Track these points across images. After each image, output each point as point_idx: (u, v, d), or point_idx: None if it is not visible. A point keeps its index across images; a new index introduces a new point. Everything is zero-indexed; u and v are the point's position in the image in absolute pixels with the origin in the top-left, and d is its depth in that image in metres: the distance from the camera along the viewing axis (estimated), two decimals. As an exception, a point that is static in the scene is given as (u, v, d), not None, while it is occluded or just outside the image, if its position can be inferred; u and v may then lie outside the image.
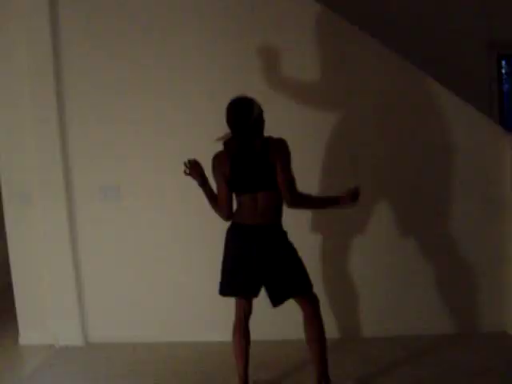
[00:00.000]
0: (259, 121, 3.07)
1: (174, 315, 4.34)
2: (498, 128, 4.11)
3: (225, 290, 3.25)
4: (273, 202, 3.10)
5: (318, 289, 3.35)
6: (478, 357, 3.77)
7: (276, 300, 3.15)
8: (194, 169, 3.20)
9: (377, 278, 4.19)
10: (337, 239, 4.19)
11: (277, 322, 4.07)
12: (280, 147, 3.07)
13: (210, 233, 4.13)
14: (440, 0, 5.06)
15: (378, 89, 4.05)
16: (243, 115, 3.01)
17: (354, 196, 3.17)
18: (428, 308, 4.19)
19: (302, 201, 3.14)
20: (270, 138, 3.10)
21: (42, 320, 4.40)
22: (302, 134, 3.98)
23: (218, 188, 3.18)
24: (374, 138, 4.09)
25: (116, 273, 4.36)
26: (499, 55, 5.28)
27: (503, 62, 5.45)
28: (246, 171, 3.07)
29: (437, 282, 4.15)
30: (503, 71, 5.49)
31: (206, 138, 4.02)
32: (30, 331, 4.44)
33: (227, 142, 3.11)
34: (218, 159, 3.14)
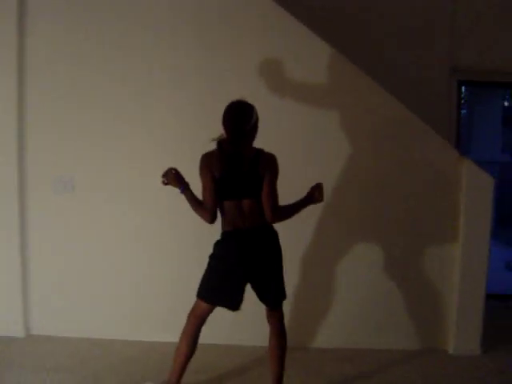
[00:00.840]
0: (255, 128, 3.07)
1: (120, 312, 4.29)
2: (455, 152, 4.21)
3: (207, 297, 3.14)
4: (257, 209, 3.09)
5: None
6: (421, 373, 3.86)
7: (272, 302, 3.21)
8: (172, 177, 3.13)
9: (330, 291, 4.24)
10: (305, 248, 4.22)
11: (219, 326, 4.08)
12: (272, 162, 3.10)
13: (163, 230, 4.16)
14: (402, 26, 5.17)
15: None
16: (243, 119, 3.00)
17: (321, 192, 3.22)
18: (376, 323, 4.25)
19: (281, 216, 3.15)
20: (262, 150, 3.11)
21: (-16, 308, 4.30)
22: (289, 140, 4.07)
23: (205, 187, 3.08)
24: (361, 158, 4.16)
25: (64, 265, 4.28)
26: (459, 81, 5.40)
27: (463, 88, 5.59)
28: (237, 175, 3.04)
29: (387, 298, 4.22)
30: (462, 97, 5.63)
31: (169, 130, 4.11)
32: (-31, 319, 4.33)
33: (221, 143, 3.06)
34: (209, 158, 3.08)
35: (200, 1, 4.11)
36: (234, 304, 3.14)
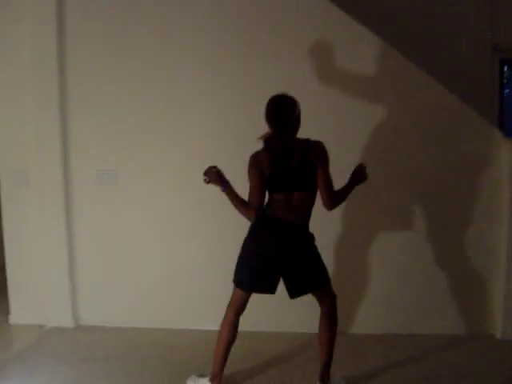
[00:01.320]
0: (298, 121, 3.06)
1: (168, 302, 4.37)
2: (499, 134, 4.13)
3: (245, 284, 3.17)
4: (306, 203, 3.11)
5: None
6: (467, 359, 3.81)
7: (294, 293, 3.19)
8: (212, 175, 3.14)
9: (372, 275, 4.24)
10: (344, 235, 4.21)
11: (264, 314, 4.12)
12: (321, 150, 3.09)
13: (206, 220, 4.20)
14: (443, 4, 5.07)
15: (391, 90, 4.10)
16: (286, 112, 2.99)
17: (364, 171, 3.23)
18: (419, 308, 4.22)
19: (338, 200, 3.16)
20: (309, 140, 3.09)
21: (34, 300, 4.41)
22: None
23: (254, 187, 3.10)
24: (389, 140, 4.13)
25: (110, 257, 4.37)
26: (501, 60, 5.28)
27: (505, 67, 5.47)
28: (287, 170, 3.04)
29: (430, 283, 4.19)
30: (505, 76, 5.50)
31: (207, 134, 4.11)
32: (21, 311, 4.45)
33: (267, 141, 3.05)
34: (257, 158, 3.09)
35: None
36: (270, 288, 3.16)
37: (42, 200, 4.26)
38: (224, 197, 3.15)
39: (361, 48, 4.05)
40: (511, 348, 3.97)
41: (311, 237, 3.20)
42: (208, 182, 3.15)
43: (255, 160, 3.10)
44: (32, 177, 4.29)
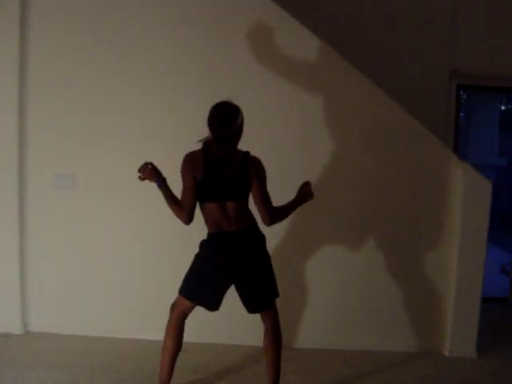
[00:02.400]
0: (240, 130, 3.03)
1: (118, 310, 4.31)
2: (453, 155, 4.24)
3: (192, 296, 3.15)
4: (241, 211, 3.10)
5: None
6: (417, 375, 3.89)
7: (254, 308, 3.20)
8: (148, 171, 3.13)
9: (321, 289, 4.26)
10: (292, 246, 4.22)
11: (214, 326, 4.12)
12: (260, 165, 3.11)
13: (161, 227, 4.17)
14: (403, 29, 5.21)
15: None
16: (229, 120, 2.95)
17: (310, 191, 3.27)
18: (369, 324, 4.28)
19: (278, 217, 3.18)
20: (248, 153, 3.09)
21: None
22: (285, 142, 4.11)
23: (185, 189, 3.05)
24: (358, 160, 4.19)
25: (63, 262, 4.30)
26: (458, 85, 5.43)
27: (461, 92, 5.63)
28: (221, 177, 3.02)
29: (381, 299, 4.25)
30: (461, 101, 5.67)
31: (169, 135, 4.11)
32: (-33, 315, 4.34)
33: (206, 144, 3.02)
34: (191, 159, 3.04)
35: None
36: (213, 304, 3.16)
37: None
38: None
39: (316, 59, 4.08)
40: (458, 366, 4.04)
41: (261, 238, 3.19)
42: (143, 179, 3.14)
43: (189, 160, 3.05)
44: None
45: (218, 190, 3.03)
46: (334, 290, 4.26)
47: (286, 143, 4.13)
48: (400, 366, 4.03)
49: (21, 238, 4.22)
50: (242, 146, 3.11)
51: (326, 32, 4.22)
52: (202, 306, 3.18)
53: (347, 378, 3.80)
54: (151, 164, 3.15)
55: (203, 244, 3.18)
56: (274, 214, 3.14)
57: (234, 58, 4.10)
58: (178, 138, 4.04)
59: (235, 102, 3.04)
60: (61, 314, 4.33)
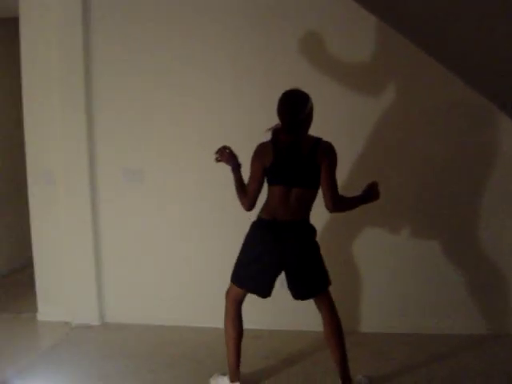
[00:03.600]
0: (310, 117, 3.04)
1: (194, 300, 4.41)
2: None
3: (243, 283, 3.21)
4: (305, 200, 3.10)
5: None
6: (491, 358, 3.81)
7: (299, 296, 3.20)
8: (225, 154, 3.21)
9: (388, 274, 4.25)
10: (356, 234, 4.23)
11: (284, 313, 4.15)
12: (330, 151, 3.06)
13: (228, 221, 4.23)
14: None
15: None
16: (298, 107, 2.96)
17: (377, 191, 3.22)
18: (438, 308, 4.23)
19: (341, 207, 3.16)
20: (320, 140, 3.08)
21: (61, 297, 4.49)
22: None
23: (251, 177, 3.13)
24: (412, 137, 4.12)
25: (137, 255, 4.44)
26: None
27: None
28: (290, 163, 3.03)
29: (450, 282, 4.19)
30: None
31: (231, 127, 4.15)
32: (48, 307, 4.54)
33: (276, 133, 3.05)
34: (262, 148, 3.11)
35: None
36: (264, 291, 3.18)
37: (69, 199, 4.35)
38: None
39: (375, 39, 4.02)
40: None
41: (312, 231, 3.18)
42: (219, 161, 3.23)
43: (260, 150, 3.12)
44: (59, 176, 4.37)
45: (286, 173, 3.05)
46: (403, 277, 4.23)
47: (352, 129, 4.09)
48: (471, 349, 3.97)
49: (95, 232, 4.39)
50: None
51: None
52: (253, 292, 3.21)
53: (418, 361, 3.78)
54: (229, 148, 3.23)
55: (254, 227, 3.19)
56: (339, 202, 3.10)
57: (295, 48, 4.09)
58: (243, 129, 4.10)
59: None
60: (137, 305, 4.48)
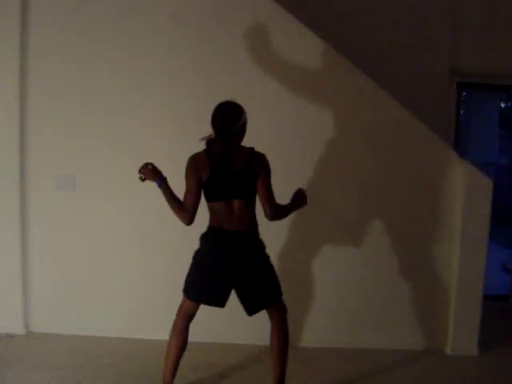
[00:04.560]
0: (244, 128, 3.08)
1: (118, 310, 4.32)
2: (453, 153, 4.24)
3: (193, 295, 3.17)
4: (247, 210, 3.11)
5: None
6: (419, 374, 3.90)
7: (251, 310, 3.19)
8: (148, 171, 3.13)
9: (324, 288, 4.27)
10: (296, 245, 4.22)
11: (217, 326, 4.13)
12: (265, 161, 3.13)
13: (163, 229, 4.17)
14: (403, 27, 5.21)
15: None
16: (232, 119, 3.00)
17: (305, 197, 3.30)
18: (372, 323, 4.29)
19: (280, 214, 3.21)
20: (253, 149, 3.12)
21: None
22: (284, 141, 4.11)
23: (189, 190, 3.07)
24: (358, 158, 4.18)
25: (65, 263, 4.31)
26: (458, 83, 5.44)
27: (462, 90, 5.63)
28: (228, 175, 3.04)
29: (383, 298, 4.26)
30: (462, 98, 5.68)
31: (170, 134, 4.12)
32: (-30, 316, 4.34)
33: (210, 144, 3.05)
34: (196, 160, 3.07)
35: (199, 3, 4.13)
36: (217, 303, 3.17)
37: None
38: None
39: (315, 57, 4.09)
40: (460, 364, 4.05)
41: (261, 244, 3.20)
42: (144, 179, 3.15)
43: (194, 162, 3.08)
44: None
45: (225, 188, 3.06)
46: (337, 290, 4.27)
47: (286, 143, 4.12)
48: (402, 364, 4.04)
49: (22, 239, 4.23)
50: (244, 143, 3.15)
51: (325, 31, 4.19)
52: (209, 305, 3.19)
53: (350, 376, 3.81)
54: (151, 164, 3.15)
55: (202, 238, 3.18)
56: (276, 210, 3.16)
57: (233, 58, 4.11)
58: (179, 137, 4.06)
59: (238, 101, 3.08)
60: (63, 315, 4.33)
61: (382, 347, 4.24)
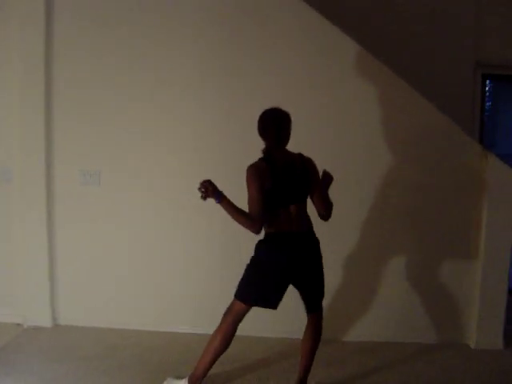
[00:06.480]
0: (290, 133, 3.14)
1: (145, 303, 4.36)
2: (479, 146, 4.20)
3: (250, 299, 3.12)
4: (304, 211, 3.15)
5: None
6: (443, 368, 3.86)
7: (316, 307, 3.26)
8: (209, 190, 3.01)
9: (349, 285, 4.26)
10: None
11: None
12: (314, 164, 3.18)
13: (189, 223, 4.21)
14: (428, 20, 5.16)
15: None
16: (286, 125, 3.07)
17: (330, 175, 3.24)
18: (396, 317, 4.27)
19: (331, 209, 3.22)
20: (302, 154, 3.16)
21: (12, 299, 4.39)
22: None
23: (254, 198, 2.97)
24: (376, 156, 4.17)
25: (91, 257, 4.36)
26: (484, 75, 5.38)
27: (487, 82, 5.57)
28: (291, 184, 3.06)
29: (407, 293, 4.24)
30: (487, 90, 5.61)
31: (198, 131, 4.14)
32: (0, 308, 4.42)
33: (268, 152, 3.06)
34: (258, 169, 3.00)
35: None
36: (274, 304, 3.14)
37: (24, 199, 4.25)
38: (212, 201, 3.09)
39: (346, 59, 4.09)
40: (484, 358, 4.02)
41: (318, 241, 3.21)
42: (205, 198, 3.04)
43: (256, 171, 3.00)
44: (15, 175, 4.28)
45: (288, 195, 3.08)
46: (359, 286, 4.27)
47: (325, 149, 4.06)
48: (426, 357, 4.02)
49: (49, 234, 4.30)
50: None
51: (347, 28, 4.18)
52: (264, 307, 3.16)
53: (372, 369, 3.81)
54: (209, 181, 3.05)
55: (262, 246, 3.13)
56: (330, 208, 3.21)
57: (266, 61, 4.12)
58: (208, 134, 4.09)
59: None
60: (89, 308, 4.40)
61: (405, 341, 4.22)
